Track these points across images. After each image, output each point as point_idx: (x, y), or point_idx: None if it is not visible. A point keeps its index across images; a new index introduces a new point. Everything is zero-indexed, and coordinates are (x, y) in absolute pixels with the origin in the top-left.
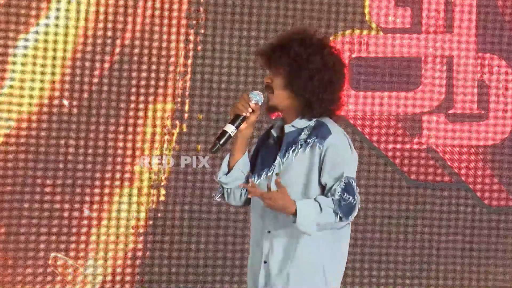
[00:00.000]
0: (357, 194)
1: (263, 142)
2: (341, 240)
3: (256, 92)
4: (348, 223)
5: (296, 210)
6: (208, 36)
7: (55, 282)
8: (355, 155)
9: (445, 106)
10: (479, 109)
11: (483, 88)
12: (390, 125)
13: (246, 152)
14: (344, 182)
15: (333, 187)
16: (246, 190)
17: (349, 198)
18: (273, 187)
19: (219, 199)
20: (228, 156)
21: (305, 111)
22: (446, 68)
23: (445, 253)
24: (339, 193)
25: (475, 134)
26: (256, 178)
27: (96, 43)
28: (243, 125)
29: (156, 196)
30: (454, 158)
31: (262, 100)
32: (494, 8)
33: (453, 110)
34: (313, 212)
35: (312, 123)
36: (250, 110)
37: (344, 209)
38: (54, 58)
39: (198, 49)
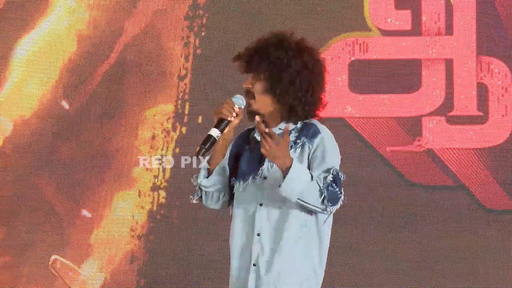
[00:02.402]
0: (343, 192)
1: (242, 146)
2: (323, 246)
3: (239, 96)
4: (328, 235)
5: (291, 165)
6: (208, 39)
7: (55, 284)
8: (339, 157)
9: (445, 109)
10: (479, 112)
11: (482, 91)
12: (390, 127)
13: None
14: (333, 174)
15: (323, 176)
16: (225, 193)
17: (336, 188)
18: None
19: (196, 202)
20: (206, 159)
21: (289, 115)
22: (446, 70)
23: (445, 255)
24: (330, 180)
25: (475, 136)
26: (241, 183)
27: (95, 45)
28: (226, 129)
29: (156, 198)
30: (454, 161)
31: (245, 104)
32: (494, 11)
33: (453, 113)
34: (305, 177)
35: (298, 125)
36: (234, 114)
37: (330, 195)
38: (53, 61)
39: (198, 51)
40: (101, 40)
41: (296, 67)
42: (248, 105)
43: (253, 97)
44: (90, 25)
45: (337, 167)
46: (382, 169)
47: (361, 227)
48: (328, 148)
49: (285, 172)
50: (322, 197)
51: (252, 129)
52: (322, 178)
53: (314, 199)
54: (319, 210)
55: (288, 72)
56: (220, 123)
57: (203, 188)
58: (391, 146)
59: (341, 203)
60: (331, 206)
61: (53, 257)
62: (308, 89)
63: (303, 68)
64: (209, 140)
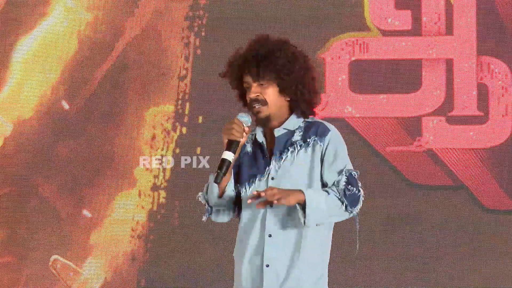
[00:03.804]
0: (361, 188)
1: (240, 153)
2: (330, 246)
3: (244, 114)
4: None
5: (304, 196)
6: (208, 39)
7: (55, 285)
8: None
9: (445, 109)
10: (479, 112)
11: (483, 91)
12: (390, 127)
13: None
14: (346, 175)
15: (336, 180)
16: (236, 204)
17: (353, 189)
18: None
19: (205, 219)
20: (212, 178)
21: (302, 112)
22: (446, 70)
23: (445, 254)
24: (343, 184)
25: (475, 136)
26: (247, 187)
27: (96, 45)
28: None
29: (156, 198)
30: (454, 161)
31: (251, 120)
32: (494, 11)
33: (453, 113)
34: (322, 199)
35: (302, 123)
36: (244, 134)
37: (349, 199)
38: (53, 61)
39: (198, 51)
40: (101, 40)
41: (301, 66)
42: (257, 112)
43: (264, 104)
44: (90, 25)
45: (349, 166)
46: (382, 169)
47: (361, 227)
48: (338, 146)
49: (301, 205)
50: (344, 206)
51: None
52: (336, 185)
53: (338, 212)
54: (347, 217)
55: (294, 71)
56: (232, 145)
57: (216, 207)
58: (391, 146)
59: (363, 198)
60: (354, 208)
61: (53, 257)
62: (314, 86)
63: (305, 67)
64: (225, 164)
